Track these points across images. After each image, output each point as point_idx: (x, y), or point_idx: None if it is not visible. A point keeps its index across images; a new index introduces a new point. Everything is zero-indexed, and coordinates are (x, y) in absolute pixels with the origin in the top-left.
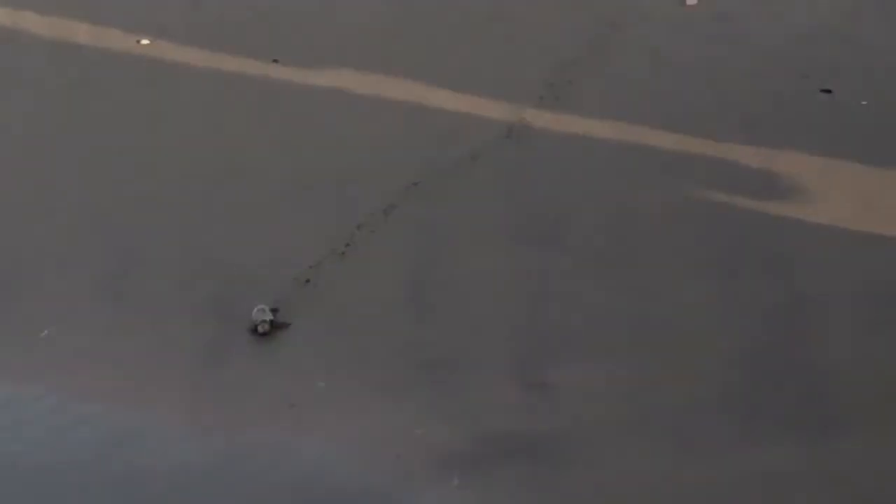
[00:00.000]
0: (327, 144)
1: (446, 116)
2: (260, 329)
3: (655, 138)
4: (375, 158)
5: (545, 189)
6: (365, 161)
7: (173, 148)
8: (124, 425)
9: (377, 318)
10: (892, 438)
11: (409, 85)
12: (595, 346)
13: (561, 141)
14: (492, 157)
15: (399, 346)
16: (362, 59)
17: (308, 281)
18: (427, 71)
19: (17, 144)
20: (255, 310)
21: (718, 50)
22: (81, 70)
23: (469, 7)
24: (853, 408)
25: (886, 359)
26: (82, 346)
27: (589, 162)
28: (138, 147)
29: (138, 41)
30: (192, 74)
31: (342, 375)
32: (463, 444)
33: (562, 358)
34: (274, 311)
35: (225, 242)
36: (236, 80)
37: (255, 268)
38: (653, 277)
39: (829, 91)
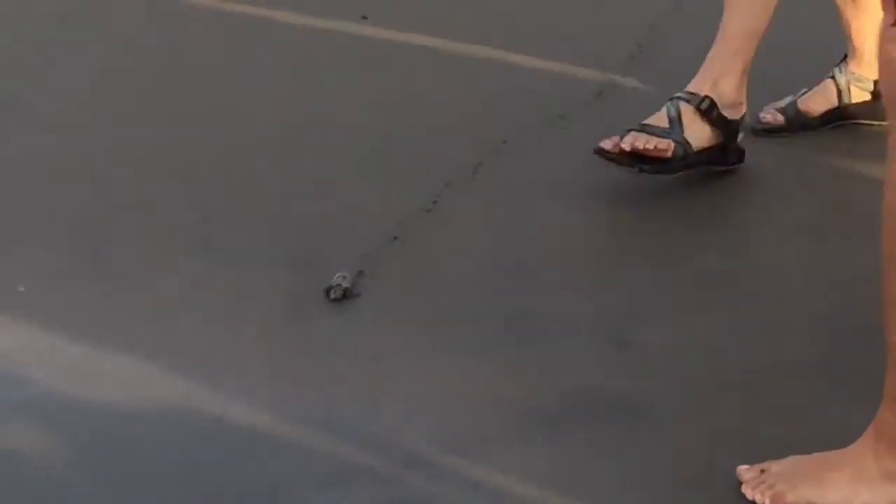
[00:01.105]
0: (415, 102)
1: (535, 76)
2: (332, 294)
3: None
4: (463, 117)
5: None
6: (452, 119)
7: (261, 103)
8: (208, 377)
9: (464, 274)
10: None
11: (497, 46)
12: (683, 305)
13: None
14: (581, 116)
15: (485, 303)
16: (452, 18)
17: (396, 238)
18: (516, 32)
19: (105, 97)
20: (336, 276)
21: (808, 13)
22: (168, 25)
23: None
24: None
25: None
26: (167, 296)
27: None
28: (227, 102)
29: None
30: (281, 30)
31: (427, 331)
32: (548, 401)
33: (649, 317)
34: (357, 275)
35: (313, 197)
36: (325, 37)
37: (342, 223)
38: (742, 237)
39: None
